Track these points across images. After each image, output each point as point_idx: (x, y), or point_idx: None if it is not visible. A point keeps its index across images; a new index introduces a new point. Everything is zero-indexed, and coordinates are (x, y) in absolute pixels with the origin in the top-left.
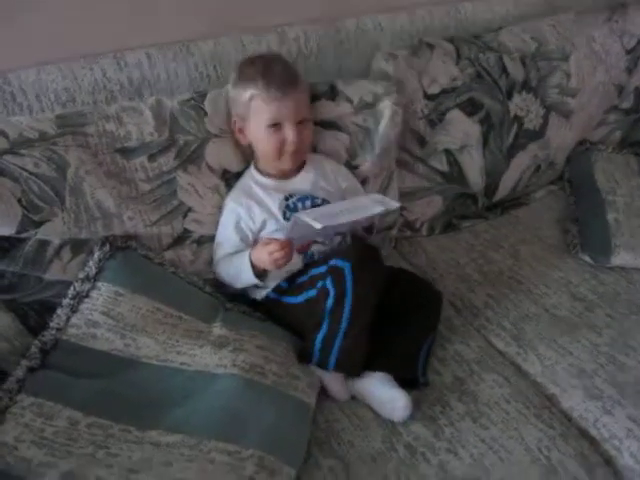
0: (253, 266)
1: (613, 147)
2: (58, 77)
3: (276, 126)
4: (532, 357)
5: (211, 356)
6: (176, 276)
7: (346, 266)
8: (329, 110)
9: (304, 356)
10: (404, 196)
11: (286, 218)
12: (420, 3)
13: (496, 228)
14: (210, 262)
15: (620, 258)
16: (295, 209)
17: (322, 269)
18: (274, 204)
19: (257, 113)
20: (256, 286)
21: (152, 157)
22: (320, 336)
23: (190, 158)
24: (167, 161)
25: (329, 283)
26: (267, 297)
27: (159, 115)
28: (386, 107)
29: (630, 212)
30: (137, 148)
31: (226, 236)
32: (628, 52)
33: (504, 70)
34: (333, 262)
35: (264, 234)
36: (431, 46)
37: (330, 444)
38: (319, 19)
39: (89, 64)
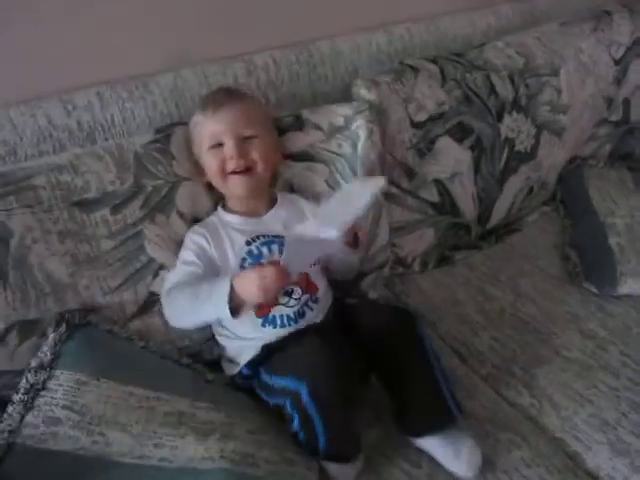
0: (231, 292)
1: (604, 161)
2: None
3: (218, 146)
4: (548, 408)
5: (196, 447)
6: (147, 351)
7: (302, 390)
8: (298, 141)
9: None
10: (394, 231)
11: (243, 267)
12: (397, 20)
13: (492, 259)
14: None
15: (627, 287)
16: (258, 257)
17: (279, 381)
18: (232, 249)
19: (200, 138)
20: (230, 361)
21: (115, 208)
22: (301, 436)
23: (159, 206)
24: (132, 212)
25: (289, 407)
26: (240, 373)
27: (121, 160)
28: (360, 127)
29: (632, 235)
30: (98, 199)
31: (184, 260)
32: (616, 62)
33: (492, 90)
34: (286, 382)
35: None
36: (414, 69)
37: None
38: (289, 44)
39: (30, 110)
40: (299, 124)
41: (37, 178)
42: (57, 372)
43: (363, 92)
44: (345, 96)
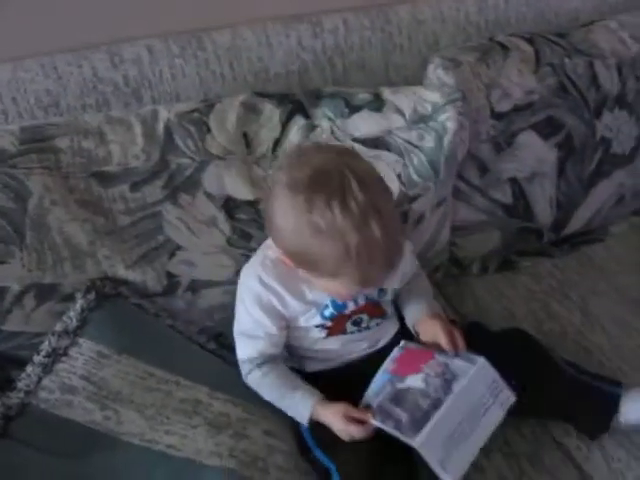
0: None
1: None
2: (39, 76)
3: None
4: (597, 457)
5: (206, 440)
6: (174, 331)
7: (332, 468)
8: (373, 124)
9: None
10: (456, 230)
11: (323, 316)
12: None
13: (563, 271)
14: (209, 310)
15: None
16: (342, 306)
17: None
18: (310, 292)
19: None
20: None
21: (135, 186)
22: None
23: (183, 186)
24: (153, 191)
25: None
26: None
27: (151, 132)
28: (449, 119)
29: None
30: (118, 174)
31: (260, 328)
32: None
33: (594, 80)
34: (313, 449)
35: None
36: (505, 48)
37: None
38: (364, 6)
39: (77, 60)
40: (378, 104)
41: (61, 140)
42: (80, 340)
43: (440, 73)
44: (421, 71)
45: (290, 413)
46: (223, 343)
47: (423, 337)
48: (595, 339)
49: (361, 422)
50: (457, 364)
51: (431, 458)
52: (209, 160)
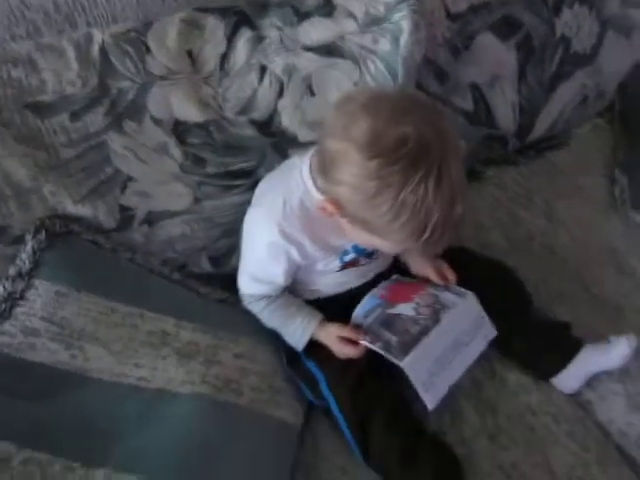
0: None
1: None
2: None
3: None
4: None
5: (177, 369)
6: (134, 264)
7: (320, 377)
8: (324, 30)
9: None
10: None
11: (344, 261)
12: None
13: (527, 177)
14: (169, 241)
15: None
16: (362, 250)
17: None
18: (332, 237)
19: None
20: None
21: (75, 115)
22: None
23: (127, 112)
24: (95, 119)
25: (304, 387)
26: None
27: (85, 56)
28: (404, 18)
29: None
30: (54, 103)
31: (270, 276)
32: None
33: None
34: (305, 361)
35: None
36: None
37: (318, 470)
38: None
39: None
40: (328, 9)
41: None
42: (36, 282)
43: None
44: None
45: (288, 340)
46: (188, 272)
47: (412, 268)
48: (560, 240)
49: (353, 342)
50: (447, 296)
51: (416, 379)
52: (152, 81)
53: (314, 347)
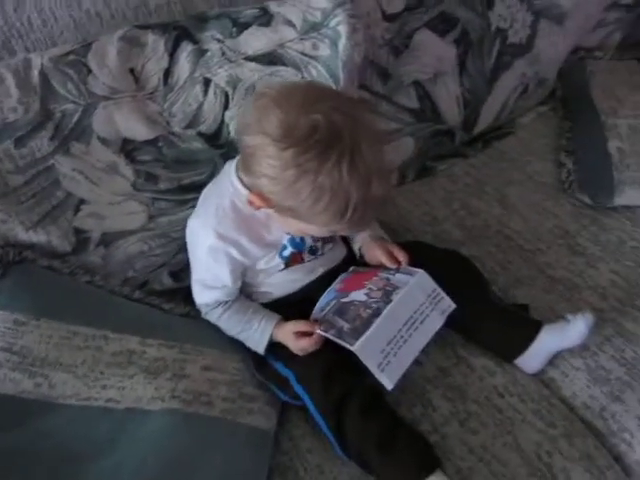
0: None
1: (612, 53)
2: None
3: None
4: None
5: (145, 387)
6: (93, 286)
7: (290, 375)
8: (265, 39)
9: None
10: None
11: (282, 256)
12: None
13: (478, 168)
14: (128, 261)
15: (625, 197)
16: (301, 244)
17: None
18: (269, 235)
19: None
20: None
21: (19, 141)
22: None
23: (74, 134)
24: (41, 144)
25: (276, 390)
26: None
27: (25, 81)
28: (341, 23)
29: (636, 138)
30: None
31: (218, 280)
32: None
33: None
34: (273, 363)
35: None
36: None
37: (295, 470)
38: None
39: None
40: (266, 18)
41: None
42: None
43: None
44: None
45: (248, 344)
46: (150, 290)
47: (368, 259)
48: (514, 226)
49: (310, 335)
50: (398, 277)
51: (370, 362)
52: (96, 102)
53: (279, 348)
